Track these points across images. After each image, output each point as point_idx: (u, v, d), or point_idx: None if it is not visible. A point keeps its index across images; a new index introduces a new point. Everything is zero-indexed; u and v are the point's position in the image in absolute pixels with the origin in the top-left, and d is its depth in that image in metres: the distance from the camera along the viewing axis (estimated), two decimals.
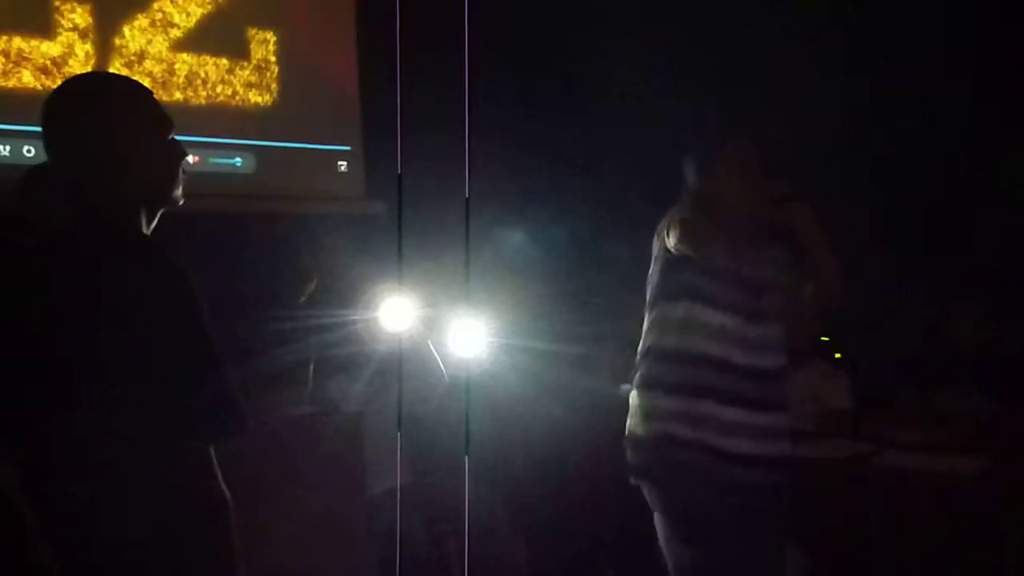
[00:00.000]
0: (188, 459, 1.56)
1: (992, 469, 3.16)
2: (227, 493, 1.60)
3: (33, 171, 2.65)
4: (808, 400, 4.11)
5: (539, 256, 4.30)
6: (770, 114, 4.35)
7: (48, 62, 3.83)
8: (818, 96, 4.46)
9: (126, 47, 3.98)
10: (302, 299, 3.58)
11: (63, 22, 3.86)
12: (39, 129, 1.74)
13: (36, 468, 1.61)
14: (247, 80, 4.25)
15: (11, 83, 3.77)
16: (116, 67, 3.93)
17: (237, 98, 4.23)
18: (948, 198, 4.74)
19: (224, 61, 4.21)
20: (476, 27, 3.15)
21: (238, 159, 4.22)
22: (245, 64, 4.26)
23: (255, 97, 4.27)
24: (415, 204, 3.49)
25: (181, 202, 1.78)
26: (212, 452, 1.58)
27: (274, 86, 4.31)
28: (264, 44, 4.31)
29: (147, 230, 1.74)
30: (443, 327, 2.98)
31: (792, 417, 3.97)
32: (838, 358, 4.58)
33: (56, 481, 1.58)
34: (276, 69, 4.32)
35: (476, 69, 3.15)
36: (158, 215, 1.77)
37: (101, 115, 1.70)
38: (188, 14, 4.12)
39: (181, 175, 1.77)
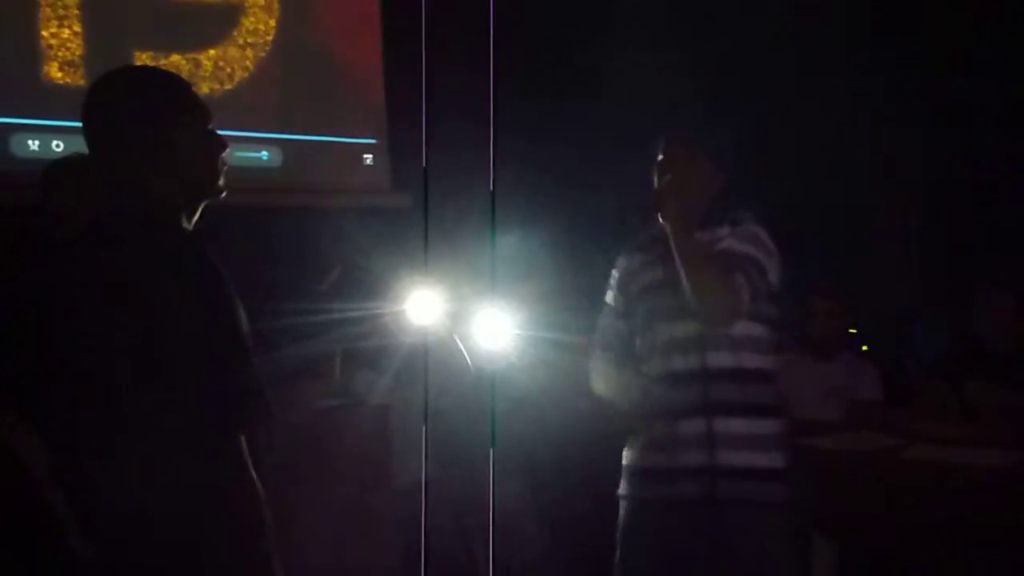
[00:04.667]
0: (218, 450, 1.56)
1: (1022, 462, 3.13)
2: (259, 486, 1.61)
3: (57, 164, 2.68)
4: (836, 393, 4.09)
5: (565, 248, 4.29)
6: (791, 117, 4.35)
7: (75, 57, 3.86)
8: (842, 95, 4.44)
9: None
10: (327, 291, 3.59)
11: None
12: (71, 124, 1.74)
13: (68, 459, 1.63)
14: (272, 72, 4.27)
15: (39, 78, 3.80)
16: (142, 61, 3.95)
17: (261, 90, 4.24)
18: (976, 191, 4.70)
19: (249, 53, 4.23)
20: (501, 20, 3.14)
21: (264, 153, 4.24)
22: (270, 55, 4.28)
23: (280, 89, 4.29)
24: (441, 197, 3.49)
25: (223, 194, 1.79)
26: (244, 444, 1.59)
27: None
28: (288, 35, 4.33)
29: (188, 224, 1.74)
30: (469, 320, 2.98)
31: (817, 412, 3.98)
32: (865, 351, 4.56)
33: (88, 472, 1.60)
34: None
35: (501, 62, 3.14)
36: (200, 207, 1.77)
37: (142, 109, 1.71)
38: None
39: (222, 166, 1.78)
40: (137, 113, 1.70)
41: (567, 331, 2.97)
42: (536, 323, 2.95)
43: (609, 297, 2.70)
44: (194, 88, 1.79)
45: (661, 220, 2.48)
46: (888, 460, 3.32)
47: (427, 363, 3.16)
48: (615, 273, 2.70)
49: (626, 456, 2.62)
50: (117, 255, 1.60)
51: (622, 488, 2.61)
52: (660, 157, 2.59)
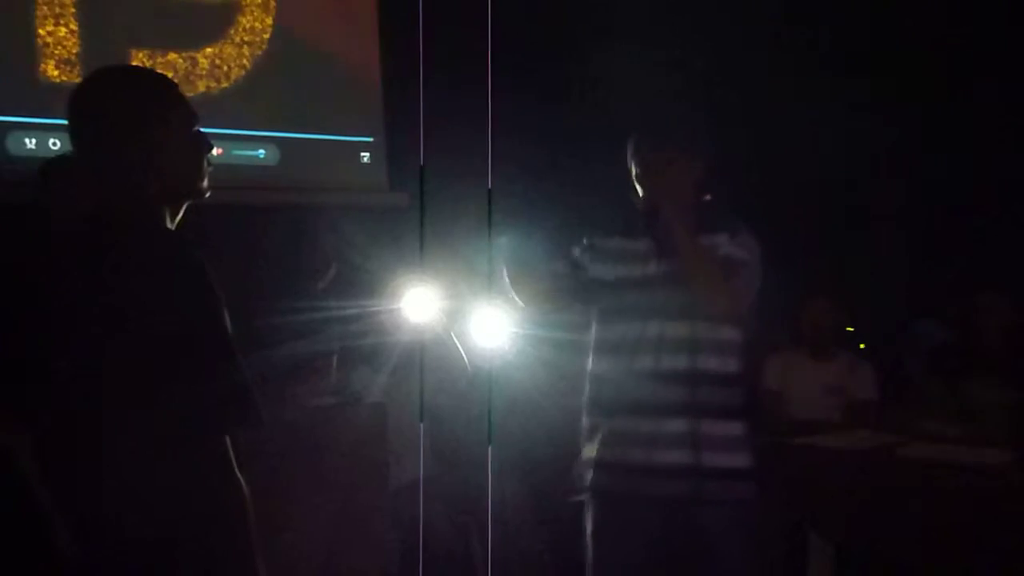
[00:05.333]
0: (203, 450, 1.56)
1: (1019, 461, 3.13)
2: (243, 484, 1.60)
3: (51, 163, 2.68)
4: (834, 391, 4.09)
5: (561, 247, 4.29)
6: (790, 116, 4.34)
7: (72, 55, 3.86)
8: (840, 92, 4.44)
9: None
10: (323, 289, 3.59)
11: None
12: (65, 122, 1.74)
13: (54, 459, 1.62)
14: (269, 70, 4.27)
15: (36, 76, 3.80)
16: (139, 59, 3.95)
17: (258, 88, 4.24)
18: (975, 188, 4.70)
19: (246, 51, 4.23)
20: (499, 19, 3.14)
21: (261, 151, 4.23)
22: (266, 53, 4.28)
23: (277, 87, 4.28)
24: (438, 196, 3.49)
25: (207, 195, 1.79)
26: (228, 443, 1.58)
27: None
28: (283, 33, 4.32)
29: (171, 223, 1.74)
30: (466, 318, 2.98)
31: (815, 411, 3.98)
32: (863, 349, 4.56)
33: (73, 471, 1.59)
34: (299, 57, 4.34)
35: (499, 61, 3.14)
36: (183, 208, 1.77)
37: (127, 108, 1.70)
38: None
39: (207, 167, 1.78)
40: (121, 112, 1.70)
41: (564, 328, 2.96)
42: (533, 321, 2.95)
43: (576, 254, 2.70)
44: (180, 88, 1.79)
45: (663, 219, 2.49)
46: (885, 458, 3.32)
47: (424, 361, 3.16)
48: (588, 246, 2.69)
49: (597, 449, 2.61)
50: (101, 254, 1.60)
51: (593, 481, 2.60)
52: (644, 160, 2.60)
